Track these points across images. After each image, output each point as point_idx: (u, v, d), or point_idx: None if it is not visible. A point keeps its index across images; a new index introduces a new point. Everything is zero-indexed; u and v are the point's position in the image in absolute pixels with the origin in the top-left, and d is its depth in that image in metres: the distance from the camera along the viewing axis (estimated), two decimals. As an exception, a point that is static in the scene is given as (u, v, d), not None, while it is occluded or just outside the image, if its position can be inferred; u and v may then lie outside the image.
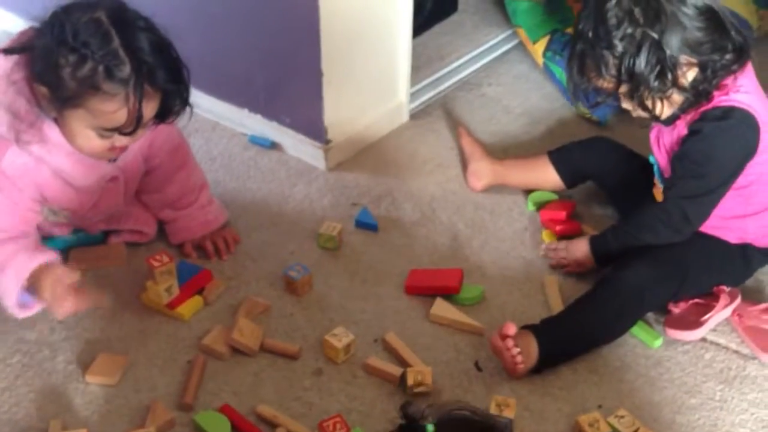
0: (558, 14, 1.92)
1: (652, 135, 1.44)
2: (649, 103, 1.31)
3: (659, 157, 1.43)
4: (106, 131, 1.23)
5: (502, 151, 1.76)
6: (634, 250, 1.38)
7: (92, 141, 1.25)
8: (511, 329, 1.29)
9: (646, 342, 1.39)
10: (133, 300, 1.43)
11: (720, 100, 1.32)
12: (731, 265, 1.43)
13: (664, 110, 1.33)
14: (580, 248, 1.45)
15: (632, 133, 1.64)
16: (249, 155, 1.77)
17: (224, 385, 1.31)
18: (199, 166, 1.55)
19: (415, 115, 1.87)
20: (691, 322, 1.39)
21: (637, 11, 1.27)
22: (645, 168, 1.51)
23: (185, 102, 1.28)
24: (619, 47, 1.28)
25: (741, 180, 1.35)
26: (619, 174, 1.57)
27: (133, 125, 1.22)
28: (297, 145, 1.75)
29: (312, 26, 1.56)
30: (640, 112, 1.35)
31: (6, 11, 2.01)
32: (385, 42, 1.73)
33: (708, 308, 1.40)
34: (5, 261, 1.26)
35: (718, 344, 1.40)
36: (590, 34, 1.30)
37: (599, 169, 1.59)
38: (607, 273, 1.39)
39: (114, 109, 1.20)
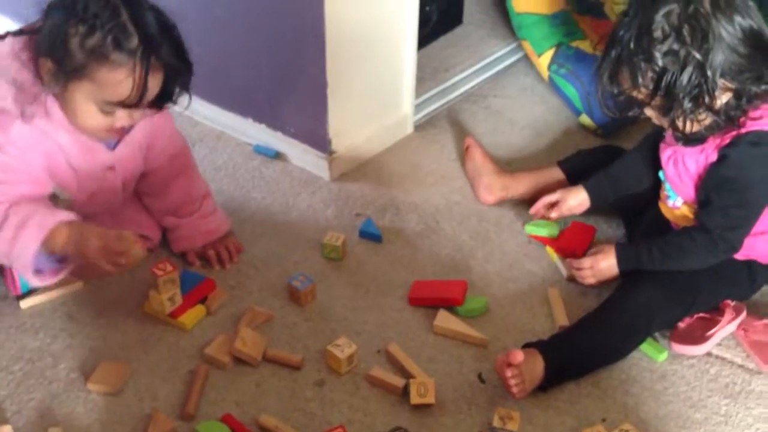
0: (563, 27, 1.93)
1: (665, 154, 1.42)
2: (679, 122, 1.28)
3: (675, 178, 1.40)
4: (108, 105, 1.24)
5: (506, 164, 1.76)
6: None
7: (94, 117, 1.26)
8: (518, 358, 1.26)
9: (651, 356, 1.38)
10: (135, 309, 1.43)
11: (753, 124, 1.29)
12: (738, 281, 1.42)
13: (690, 128, 1.30)
14: (608, 266, 1.42)
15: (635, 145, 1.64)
16: (253, 165, 1.77)
17: (226, 394, 1.31)
18: (201, 176, 1.56)
19: (419, 127, 1.87)
20: (697, 336, 1.38)
21: (686, 29, 1.21)
22: (652, 178, 1.49)
23: (186, 86, 1.29)
24: (660, 62, 1.23)
25: None
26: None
27: (138, 98, 1.23)
28: (301, 155, 1.75)
29: (317, 36, 1.56)
30: (662, 122, 1.33)
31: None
32: (390, 53, 1.73)
33: (713, 323, 1.39)
34: (26, 216, 1.26)
35: (723, 359, 1.39)
36: (631, 43, 1.25)
37: None
38: (615, 292, 1.38)
39: (120, 79, 1.21)
